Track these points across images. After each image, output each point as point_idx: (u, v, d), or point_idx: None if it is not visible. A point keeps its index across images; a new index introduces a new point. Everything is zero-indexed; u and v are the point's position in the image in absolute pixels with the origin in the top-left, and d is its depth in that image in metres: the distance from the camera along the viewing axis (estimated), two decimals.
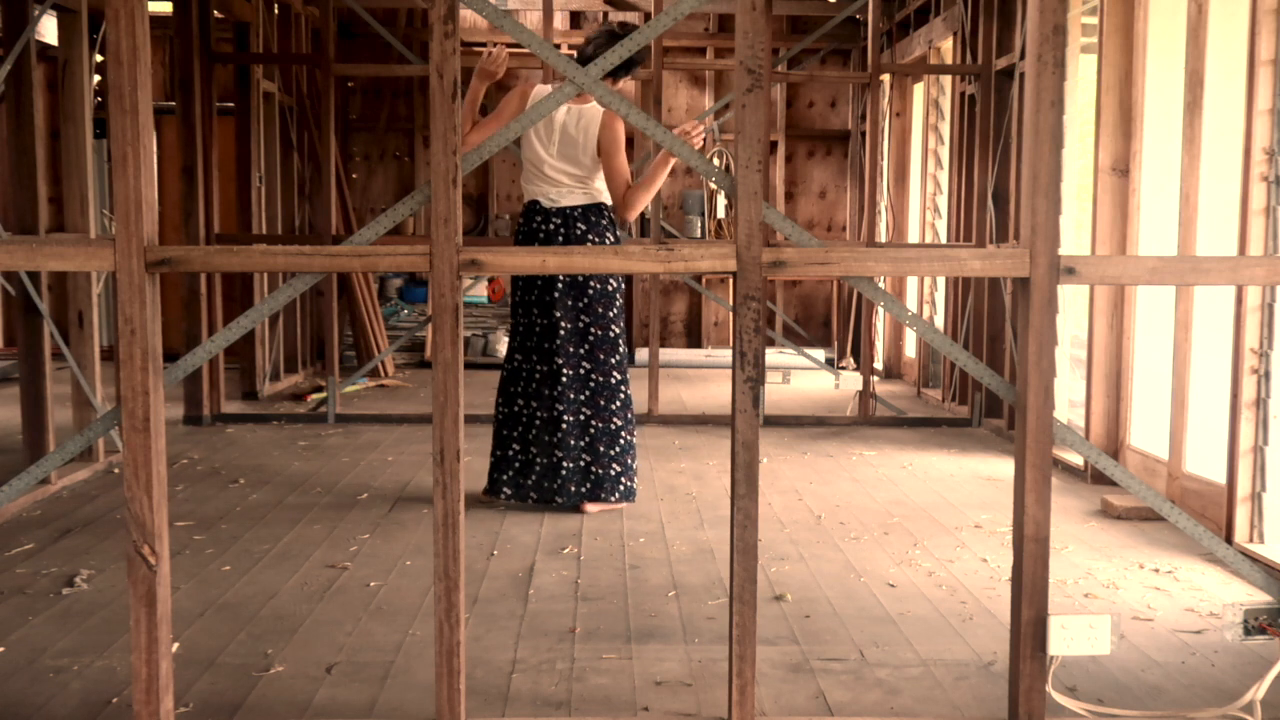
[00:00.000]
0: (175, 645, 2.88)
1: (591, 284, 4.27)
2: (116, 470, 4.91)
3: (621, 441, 4.32)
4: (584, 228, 4.22)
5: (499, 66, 4.10)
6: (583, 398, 4.29)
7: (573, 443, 4.28)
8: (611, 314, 4.31)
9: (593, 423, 4.29)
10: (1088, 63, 5.40)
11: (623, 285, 4.38)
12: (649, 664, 2.85)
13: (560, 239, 4.22)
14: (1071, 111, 5.42)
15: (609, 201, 4.27)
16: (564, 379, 4.26)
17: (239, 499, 4.51)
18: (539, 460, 4.33)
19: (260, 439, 5.80)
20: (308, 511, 4.33)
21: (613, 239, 4.27)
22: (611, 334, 4.31)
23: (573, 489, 4.31)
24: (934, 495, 4.69)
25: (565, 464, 4.29)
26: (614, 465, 4.32)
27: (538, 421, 4.31)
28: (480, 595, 3.37)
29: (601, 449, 4.30)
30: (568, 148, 4.21)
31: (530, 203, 4.30)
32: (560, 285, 4.26)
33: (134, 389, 2.22)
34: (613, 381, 4.32)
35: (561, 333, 4.26)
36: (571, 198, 4.24)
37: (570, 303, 4.26)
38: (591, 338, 4.28)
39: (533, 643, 2.99)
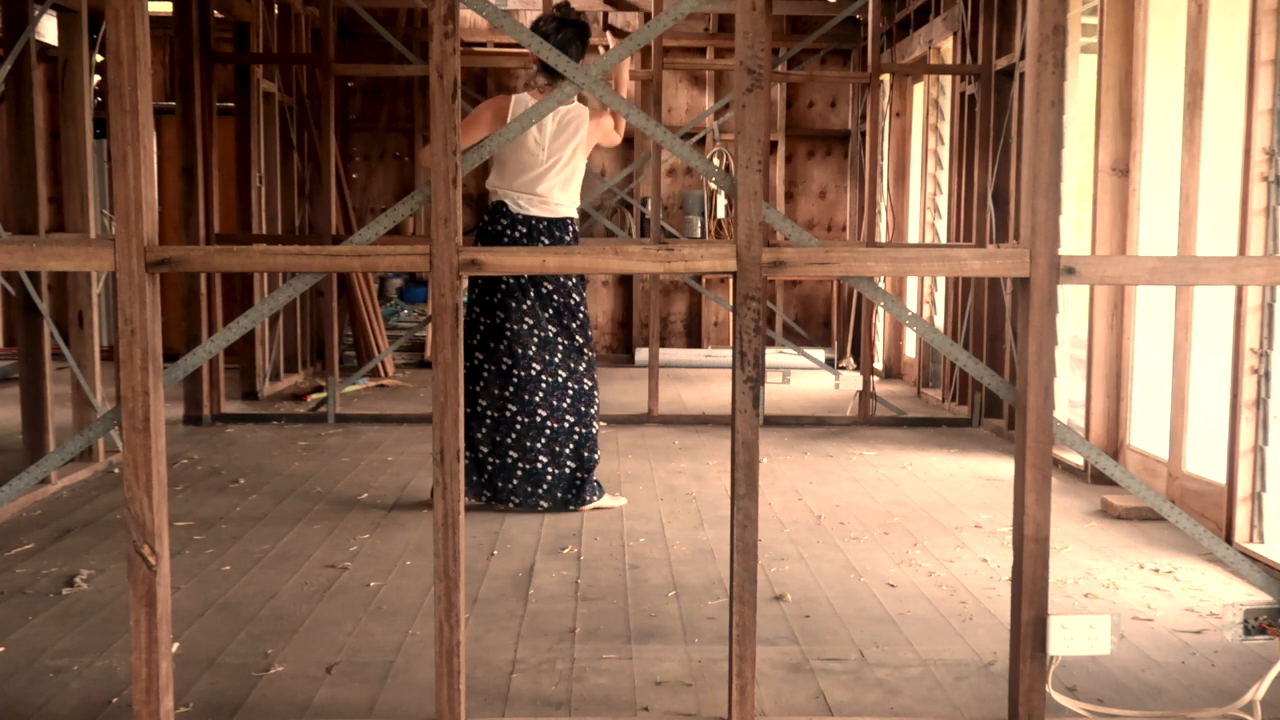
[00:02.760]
0: (175, 645, 2.88)
1: (556, 297, 4.29)
2: (116, 470, 4.91)
3: (576, 436, 4.31)
4: (547, 241, 4.23)
5: None
6: (556, 402, 4.28)
7: (528, 445, 4.27)
8: (578, 323, 4.33)
9: (549, 423, 4.28)
10: (1088, 63, 5.40)
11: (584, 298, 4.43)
12: (649, 664, 2.85)
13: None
14: (1071, 111, 5.42)
15: (574, 215, 4.33)
16: (522, 381, 4.26)
17: (239, 499, 4.51)
18: (490, 460, 4.31)
19: (260, 439, 5.80)
20: (308, 511, 4.33)
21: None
22: (577, 342, 4.34)
23: (529, 489, 4.30)
24: (934, 495, 4.69)
25: (522, 466, 4.29)
26: (569, 464, 4.33)
27: (488, 421, 4.31)
28: (480, 595, 3.37)
29: (570, 451, 4.31)
30: (560, 144, 4.23)
31: (498, 204, 4.28)
32: (531, 294, 4.26)
33: (134, 389, 2.22)
34: (585, 386, 4.34)
35: (534, 338, 4.27)
36: (542, 208, 4.25)
37: (542, 310, 4.27)
38: (563, 345, 4.30)
39: (533, 643, 2.99)
